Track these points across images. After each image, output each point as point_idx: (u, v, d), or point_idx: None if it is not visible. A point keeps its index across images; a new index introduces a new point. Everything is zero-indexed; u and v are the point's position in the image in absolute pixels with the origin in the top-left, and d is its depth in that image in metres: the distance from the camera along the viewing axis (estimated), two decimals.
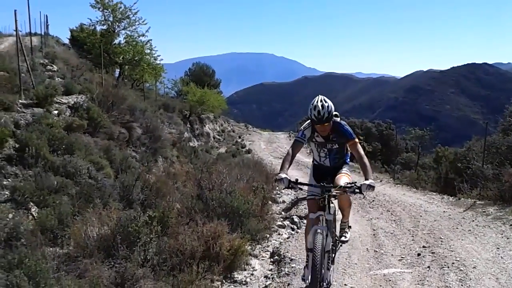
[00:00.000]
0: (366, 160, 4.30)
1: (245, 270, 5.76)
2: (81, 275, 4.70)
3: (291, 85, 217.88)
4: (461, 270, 5.47)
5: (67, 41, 26.86)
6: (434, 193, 12.15)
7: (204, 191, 7.59)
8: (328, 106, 4.18)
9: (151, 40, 23.14)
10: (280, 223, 8.19)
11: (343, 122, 4.48)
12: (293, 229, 7.95)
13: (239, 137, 37.49)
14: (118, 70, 23.97)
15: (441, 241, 6.79)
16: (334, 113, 4.34)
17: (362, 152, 4.36)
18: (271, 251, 6.60)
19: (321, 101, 4.21)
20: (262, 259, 6.30)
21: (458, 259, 5.90)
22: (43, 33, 22.21)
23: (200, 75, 40.03)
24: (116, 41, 23.16)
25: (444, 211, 9.18)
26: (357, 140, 4.43)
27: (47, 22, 23.69)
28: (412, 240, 6.93)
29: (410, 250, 6.39)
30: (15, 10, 11.60)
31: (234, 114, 62.68)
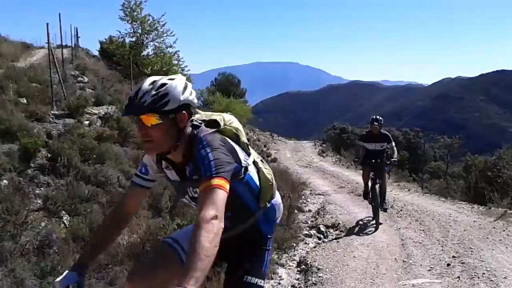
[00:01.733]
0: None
1: (272, 279, 5.77)
2: (111, 283, 4.81)
3: (316, 93, 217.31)
4: (491, 280, 5.36)
5: (96, 53, 27.53)
6: (464, 203, 11.90)
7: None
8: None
9: (178, 51, 23.58)
10: (306, 232, 8.17)
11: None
12: (319, 238, 7.92)
13: (265, 146, 37.48)
14: None
15: (471, 251, 6.66)
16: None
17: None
18: (298, 260, 6.60)
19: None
20: (289, 268, 6.30)
21: (488, 269, 5.78)
22: (73, 45, 22.84)
23: (226, 85, 40.38)
24: (145, 53, 23.66)
25: (474, 221, 9.00)
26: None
27: (77, 34, 24.41)
28: (442, 250, 6.81)
29: (440, 260, 6.29)
30: (47, 24, 11.99)
31: (259, 123, 62.83)
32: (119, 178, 8.15)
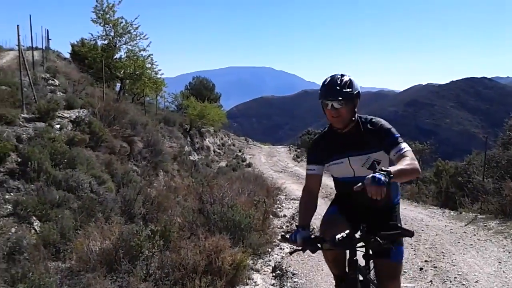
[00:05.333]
0: None
1: (247, 284, 5.74)
2: None
3: (291, 98, 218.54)
4: (463, 284, 5.46)
5: (68, 56, 27.04)
6: (435, 207, 12.13)
7: (206, 205, 7.60)
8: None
9: (152, 54, 23.28)
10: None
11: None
12: None
13: (240, 151, 37.51)
14: (119, 84, 24.07)
15: (443, 256, 6.78)
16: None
17: None
18: (273, 265, 6.58)
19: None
20: (264, 274, 6.27)
21: (460, 273, 5.89)
22: (44, 48, 22.37)
23: (200, 89, 40.18)
24: (117, 56, 23.29)
25: (445, 225, 9.17)
26: None
27: (48, 36, 23.90)
28: (414, 254, 6.91)
29: (412, 264, 6.38)
30: (17, 25, 11.74)
31: (234, 127, 62.83)
32: (91, 183, 8.02)
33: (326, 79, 2.90)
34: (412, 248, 7.23)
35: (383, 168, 2.47)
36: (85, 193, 7.57)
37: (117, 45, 22.82)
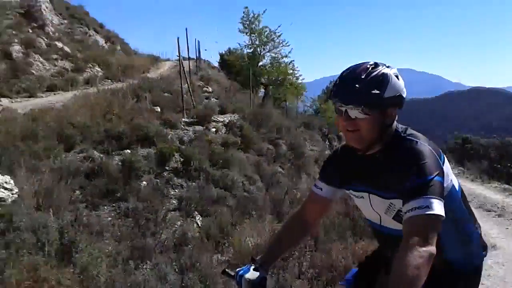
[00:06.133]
0: None
1: None
2: None
3: (435, 101, 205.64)
4: None
5: (216, 65, 28.99)
6: None
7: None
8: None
9: (293, 60, 23.97)
10: None
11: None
12: None
13: None
14: (263, 90, 25.14)
15: None
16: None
17: None
18: None
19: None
20: None
21: None
22: (196, 57, 24.31)
23: None
24: (261, 63, 24.40)
25: None
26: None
27: (199, 47, 25.96)
28: None
29: None
30: (177, 38, 12.89)
31: None
32: (243, 183, 8.52)
33: (346, 69, 1.78)
34: None
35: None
36: (239, 192, 8.07)
37: (261, 53, 23.91)
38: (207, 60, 29.68)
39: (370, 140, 1.74)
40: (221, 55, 28.20)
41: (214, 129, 10.56)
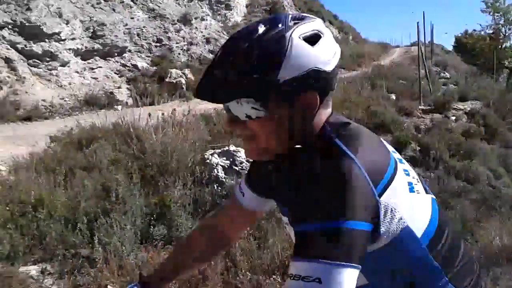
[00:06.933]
0: None
1: None
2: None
3: None
4: None
5: (450, 48, 27.06)
6: None
7: None
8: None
9: None
10: None
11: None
12: None
13: None
14: (506, 75, 22.48)
15: None
16: None
17: None
18: None
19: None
20: None
21: None
22: (428, 42, 23.09)
23: None
24: (506, 44, 21.83)
25: None
26: None
27: (432, 31, 24.55)
28: None
29: None
30: (417, 22, 12.53)
31: None
32: (487, 176, 7.84)
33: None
34: None
35: None
36: (483, 186, 7.47)
37: (507, 34, 21.40)
38: (440, 44, 27.99)
39: (274, 151, 1.03)
40: (457, 38, 26.19)
41: (453, 117, 9.93)
